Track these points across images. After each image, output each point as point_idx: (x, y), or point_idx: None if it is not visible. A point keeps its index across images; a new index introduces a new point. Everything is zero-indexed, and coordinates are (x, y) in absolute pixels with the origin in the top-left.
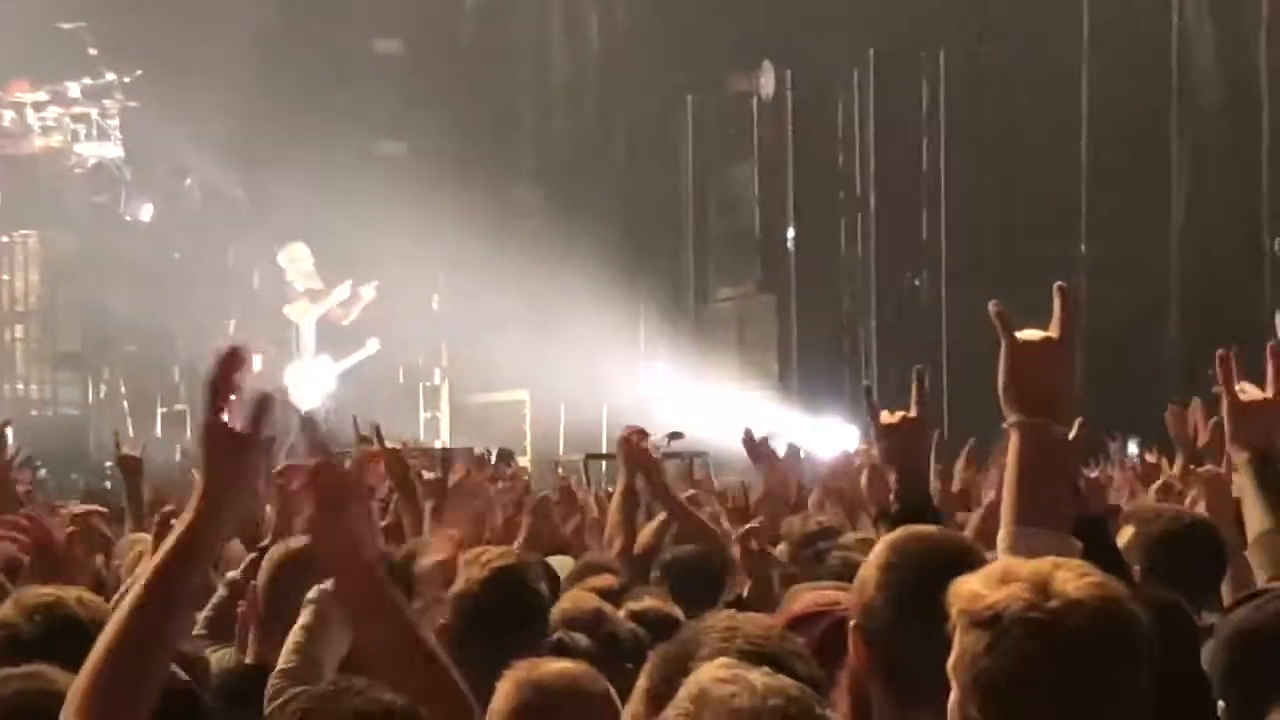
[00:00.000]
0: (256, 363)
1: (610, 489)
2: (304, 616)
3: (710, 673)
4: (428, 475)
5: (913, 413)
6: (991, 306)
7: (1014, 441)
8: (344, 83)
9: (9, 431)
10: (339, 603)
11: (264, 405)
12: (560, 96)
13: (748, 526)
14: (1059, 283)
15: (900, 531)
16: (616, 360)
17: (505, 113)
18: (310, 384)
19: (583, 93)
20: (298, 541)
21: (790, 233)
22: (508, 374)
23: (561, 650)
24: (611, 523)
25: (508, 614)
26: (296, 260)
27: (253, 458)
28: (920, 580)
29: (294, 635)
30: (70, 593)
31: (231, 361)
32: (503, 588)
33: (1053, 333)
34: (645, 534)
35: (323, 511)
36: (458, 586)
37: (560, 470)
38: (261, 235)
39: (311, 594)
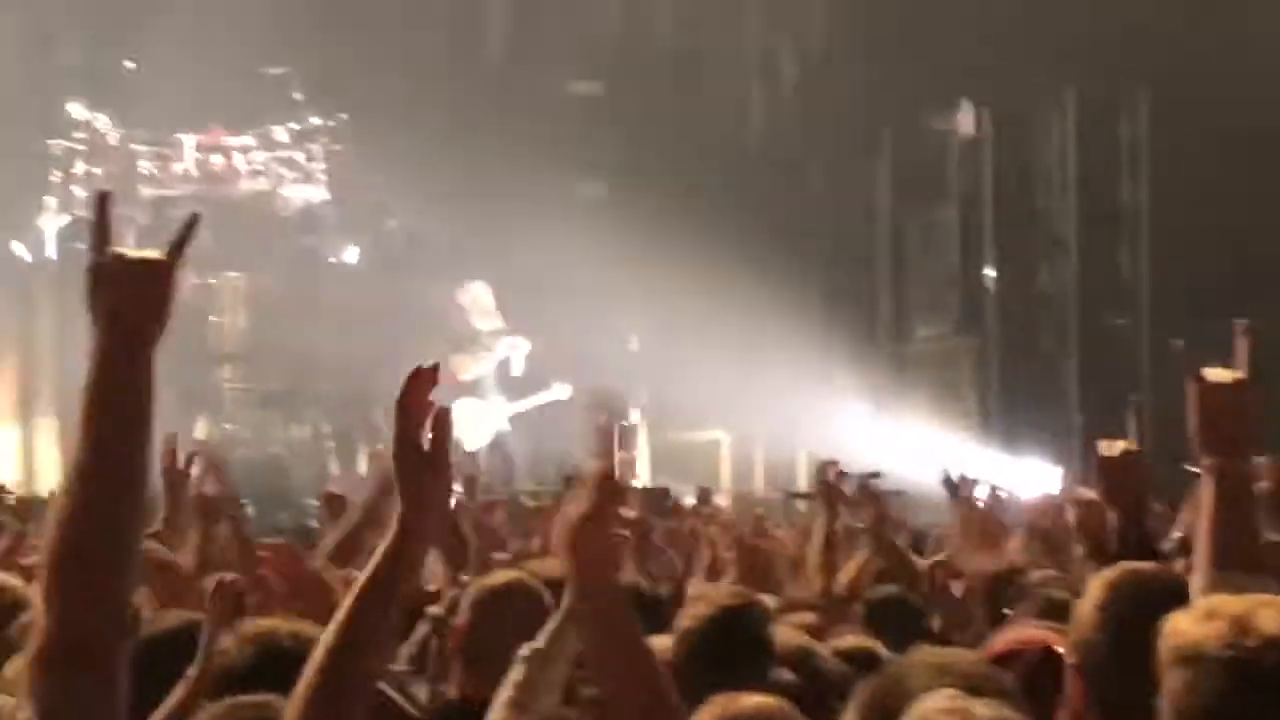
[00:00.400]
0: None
1: (809, 528)
2: (516, 672)
3: (934, 704)
4: (628, 514)
5: (1131, 445)
6: (1175, 345)
7: (1208, 485)
8: (544, 124)
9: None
10: (577, 618)
11: (443, 422)
12: (757, 135)
13: (935, 559)
14: (1240, 320)
15: (1118, 570)
16: (814, 399)
17: (702, 152)
18: (478, 422)
19: (780, 132)
20: (500, 576)
21: (990, 272)
22: (705, 413)
23: (768, 687)
24: (812, 562)
25: (733, 653)
26: (477, 299)
27: (443, 477)
28: (1137, 618)
29: (507, 689)
30: (288, 625)
31: (422, 381)
32: (729, 626)
33: (1239, 372)
34: (846, 573)
35: (589, 523)
36: (686, 622)
37: (758, 510)
38: (462, 276)
39: (524, 650)
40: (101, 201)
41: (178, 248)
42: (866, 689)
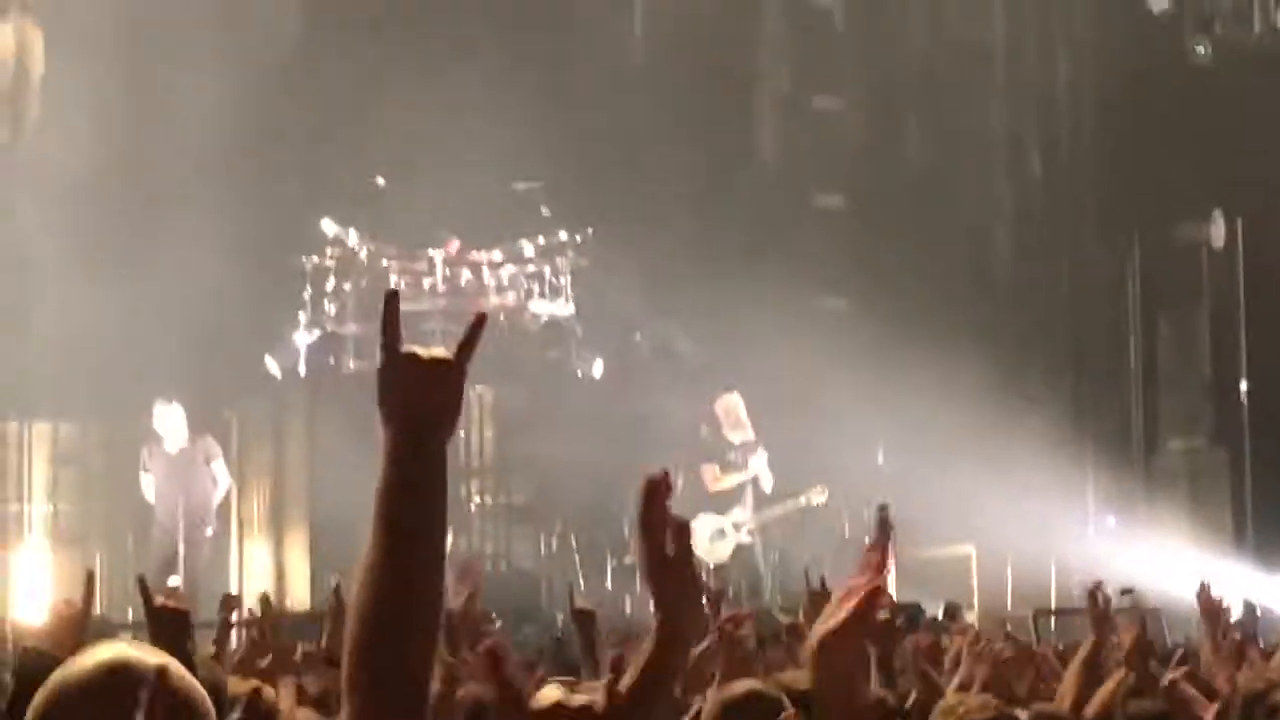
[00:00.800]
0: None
1: (1060, 645)
2: None
3: None
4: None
5: None
6: None
7: None
8: (785, 237)
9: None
10: None
11: (682, 532)
12: (1004, 247)
13: (1176, 672)
14: None
15: None
16: (1064, 513)
17: (947, 264)
18: (721, 537)
19: (1026, 243)
20: (739, 686)
21: (1244, 385)
22: (953, 528)
23: None
24: (1068, 680)
25: None
26: (731, 411)
27: (694, 583)
28: None
29: None
30: None
31: (657, 493)
32: None
33: None
34: (1101, 693)
35: (840, 637)
36: None
37: (1008, 626)
38: (706, 388)
39: None
40: (391, 302)
41: (466, 347)
42: None
